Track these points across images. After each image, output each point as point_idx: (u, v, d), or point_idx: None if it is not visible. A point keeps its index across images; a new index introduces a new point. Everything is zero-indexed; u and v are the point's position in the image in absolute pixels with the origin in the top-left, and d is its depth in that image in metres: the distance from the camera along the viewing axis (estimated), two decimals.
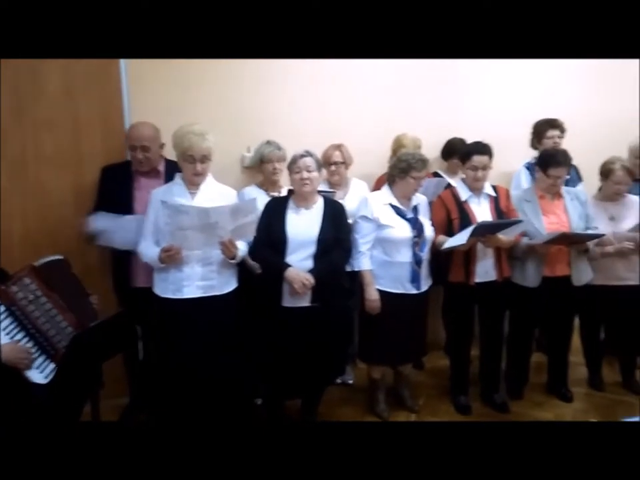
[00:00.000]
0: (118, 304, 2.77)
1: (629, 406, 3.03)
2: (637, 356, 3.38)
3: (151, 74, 2.92)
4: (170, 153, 2.61)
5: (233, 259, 2.39)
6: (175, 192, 2.40)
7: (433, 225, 2.86)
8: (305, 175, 2.52)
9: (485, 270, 2.85)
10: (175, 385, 2.40)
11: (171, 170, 2.59)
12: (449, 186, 3.19)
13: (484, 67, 3.76)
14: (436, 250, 2.83)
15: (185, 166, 2.37)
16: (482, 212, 2.86)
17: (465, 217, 2.83)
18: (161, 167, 2.73)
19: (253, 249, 2.58)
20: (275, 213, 2.59)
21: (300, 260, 2.52)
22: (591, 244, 2.95)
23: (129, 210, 2.62)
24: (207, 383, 2.39)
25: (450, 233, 2.81)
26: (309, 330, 2.55)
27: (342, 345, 2.76)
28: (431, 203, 2.99)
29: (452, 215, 2.85)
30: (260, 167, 2.97)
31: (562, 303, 3.00)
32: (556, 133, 3.33)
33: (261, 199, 2.76)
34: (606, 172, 3.04)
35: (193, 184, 2.41)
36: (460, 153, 3.05)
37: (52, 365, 1.98)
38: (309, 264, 2.52)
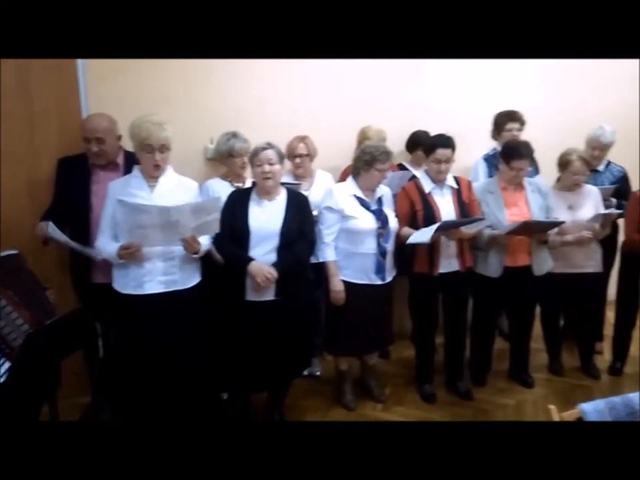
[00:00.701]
0: (77, 300, 2.70)
1: (587, 390, 3.14)
2: (594, 341, 3.50)
3: (109, 65, 2.83)
4: (129, 146, 2.54)
5: (195, 254, 2.36)
6: (133, 184, 2.34)
7: (397, 216, 2.88)
8: (267, 168, 2.49)
9: (448, 260, 2.90)
10: (137, 383, 2.35)
11: (131, 162, 2.52)
12: (413, 178, 3.22)
13: (447, 61, 3.78)
14: (401, 242, 2.85)
15: (143, 156, 2.31)
16: (445, 203, 2.90)
17: (429, 209, 2.86)
18: (120, 160, 2.66)
19: (216, 242, 2.55)
20: (237, 205, 2.56)
21: (263, 253, 2.49)
22: (551, 234, 3.02)
23: (86, 204, 2.55)
24: (170, 379, 2.35)
25: (414, 225, 2.84)
26: (273, 323, 2.53)
27: (307, 337, 2.76)
28: (395, 195, 3.01)
29: (416, 206, 2.88)
30: (226, 160, 2.92)
31: (523, 292, 3.07)
32: (515, 125, 3.39)
33: (226, 191, 2.73)
34: (564, 163, 3.12)
35: (151, 176, 2.35)
36: (424, 145, 3.08)
37: (7, 364, 1.91)
38: (273, 257, 2.50)
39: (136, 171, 2.39)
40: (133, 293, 2.32)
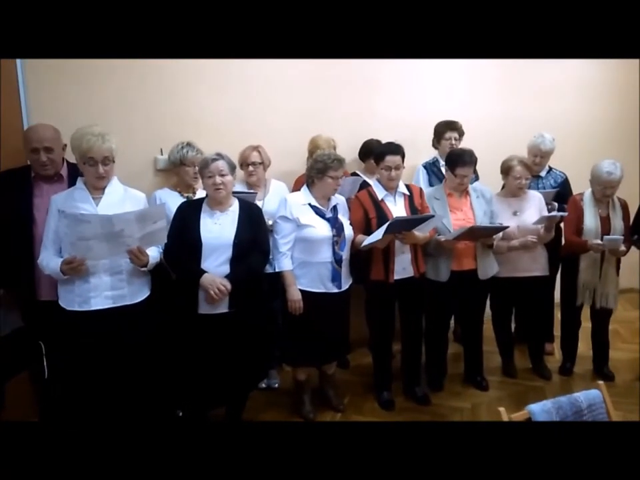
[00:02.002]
0: (21, 318, 2.57)
1: (540, 391, 3.22)
2: (544, 343, 3.61)
3: (52, 72, 2.74)
4: (72, 157, 2.45)
5: (144, 266, 2.29)
6: (77, 198, 2.26)
7: (351, 224, 2.89)
8: (218, 179, 2.45)
9: (403, 267, 2.93)
10: (85, 403, 2.26)
11: (74, 175, 2.43)
12: (365, 185, 3.24)
13: (398, 69, 3.86)
14: (356, 249, 2.86)
15: (85, 169, 2.23)
16: (397, 210, 2.93)
17: (382, 216, 2.88)
18: (64, 172, 2.56)
19: (166, 254, 2.49)
20: (188, 216, 2.50)
21: (216, 265, 2.45)
22: (496, 239, 3.10)
23: (29, 219, 2.43)
24: (120, 398, 2.27)
25: (368, 232, 2.85)
26: (228, 336, 2.48)
27: (264, 349, 2.72)
28: (348, 201, 3.02)
29: (369, 214, 2.90)
30: (178, 169, 2.87)
31: (470, 295, 3.14)
32: (454, 134, 3.49)
33: (175, 202, 2.68)
34: (506, 169, 3.22)
35: (96, 188, 2.28)
36: (374, 153, 3.11)
37: None
38: (226, 269, 2.45)
39: (80, 183, 2.31)
40: (79, 310, 2.23)
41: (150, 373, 2.39)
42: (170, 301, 2.51)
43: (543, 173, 3.57)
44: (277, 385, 3.28)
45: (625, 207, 3.25)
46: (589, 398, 1.78)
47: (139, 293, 2.35)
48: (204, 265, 2.44)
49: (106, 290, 2.24)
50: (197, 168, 2.75)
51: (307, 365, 2.96)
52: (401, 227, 2.77)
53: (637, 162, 5.01)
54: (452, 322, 3.45)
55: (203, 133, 3.09)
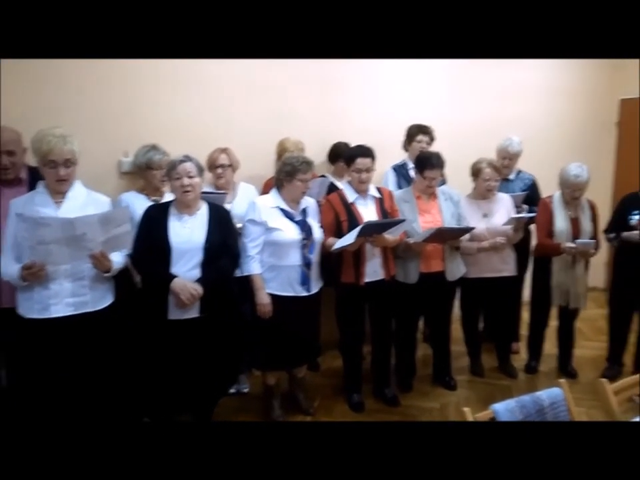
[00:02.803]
0: None
1: (506, 389, 3.28)
2: (511, 342, 3.68)
3: (12, 73, 2.65)
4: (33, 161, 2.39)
5: (107, 272, 2.23)
6: (38, 202, 2.18)
7: (322, 227, 2.89)
8: (186, 181, 2.41)
9: (374, 269, 2.94)
10: (44, 414, 2.19)
11: (35, 178, 2.36)
12: (334, 187, 3.25)
13: (366, 71, 3.88)
14: (327, 252, 2.86)
15: (46, 172, 2.16)
16: (368, 213, 2.94)
17: (353, 219, 2.89)
18: (24, 175, 2.49)
19: (134, 259, 2.44)
20: (155, 220, 2.46)
21: (186, 269, 2.41)
22: (464, 241, 3.15)
23: None
24: (83, 408, 2.21)
25: (339, 235, 2.86)
26: (198, 342, 2.45)
27: (234, 354, 2.69)
28: (317, 202, 3.02)
29: (340, 217, 2.91)
30: (144, 173, 2.82)
31: (439, 296, 3.19)
32: (425, 138, 3.54)
33: (142, 205, 2.63)
34: (475, 171, 3.28)
35: (57, 192, 2.21)
36: (344, 156, 3.12)
37: None
38: (196, 273, 2.42)
39: (40, 187, 2.24)
40: (38, 317, 2.16)
41: (114, 381, 2.33)
42: (136, 307, 2.46)
43: (512, 176, 3.65)
44: (246, 390, 3.26)
45: (593, 208, 3.34)
46: (551, 396, 1.83)
47: (102, 299, 2.29)
48: (173, 270, 2.40)
49: (67, 297, 2.17)
50: (164, 171, 2.71)
51: (277, 368, 2.95)
52: (373, 231, 2.79)
53: (604, 163, 5.18)
54: (421, 323, 3.50)
55: (169, 135, 3.04)
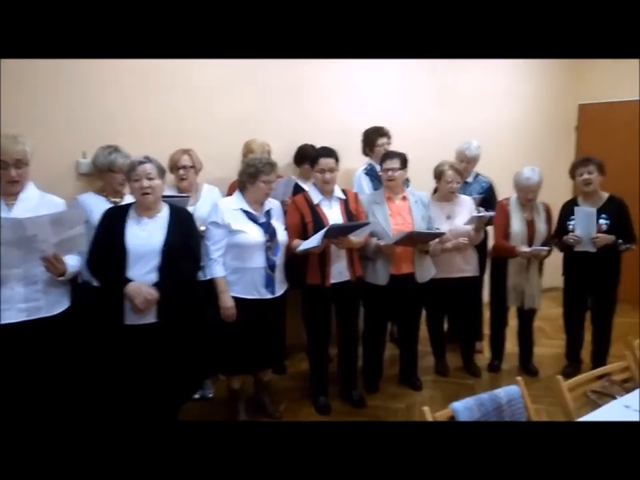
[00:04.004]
0: None
1: (470, 388, 3.32)
2: (474, 341, 3.74)
3: None
4: None
5: (61, 275, 2.17)
6: None
7: (287, 228, 2.88)
8: (146, 183, 2.36)
9: (339, 271, 2.95)
10: None
11: None
12: (300, 189, 3.24)
13: (331, 74, 3.90)
14: (292, 254, 2.85)
15: None
16: (333, 214, 2.95)
17: (318, 220, 2.89)
18: None
19: (89, 263, 2.37)
20: (113, 222, 2.40)
21: (142, 273, 2.35)
22: (431, 243, 3.19)
23: None
24: (37, 416, 2.13)
25: (304, 236, 2.86)
26: (157, 347, 2.40)
27: (197, 359, 2.64)
28: (282, 203, 3.01)
29: (306, 218, 2.90)
30: (104, 175, 2.75)
31: (408, 298, 3.21)
32: (385, 140, 3.57)
33: (101, 207, 2.56)
34: (438, 174, 3.33)
35: (8, 194, 2.13)
36: (309, 158, 3.12)
37: None
38: (153, 277, 2.37)
39: None
40: None
41: (70, 389, 2.26)
42: (93, 312, 2.40)
43: (469, 179, 3.71)
44: (211, 395, 3.21)
45: (548, 210, 3.43)
46: (509, 393, 1.86)
47: (56, 304, 2.22)
48: (130, 273, 2.35)
49: (19, 302, 2.09)
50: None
51: (242, 372, 2.91)
52: (337, 233, 2.79)
53: (564, 166, 5.31)
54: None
55: (130, 136, 2.99)
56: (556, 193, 4.96)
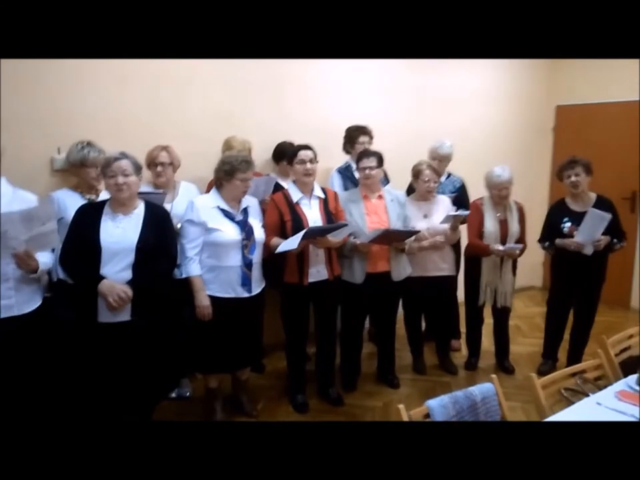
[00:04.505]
0: None
1: (447, 386, 3.36)
2: (451, 340, 3.78)
3: None
4: None
5: (33, 273, 2.12)
6: None
7: (266, 226, 2.86)
8: (121, 179, 2.33)
9: (317, 270, 2.94)
10: None
11: None
12: (280, 187, 3.23)
13: (312, 73, 3.88)
14: (270, 252, 2.83)
15: None
16: (312, 213, 2.94)
17: (297, 219, 2.88)
18: None
19: (62, 260, 2.33)
20: (87, 219, 2.36)
21: (116, 271, 2.32)
22: (408, 242, 3.20)
23: None
24: (10, 416, 2.09)
25: (283, 235, 2.85)
26: (131, 346, 2.37)
27: (173, 357, 2.62)
28: (263, 202, 2.99)
29: (285, 216, 2.89)
30: (78, 170, 2.70)
31: (384, 296, 3.23)
32: (366, 139, 3.58)
33: (76, 203, 2.52)
34: (416, 172, 3.35)
35: None
36: (288, 155, 3.11)
37: None
38: (127, 274, 2.34)
39: None
40: None
41: (42, 387, 2.22)
42: (67, 310, 2.36)
43: (442, 178, 3.74)
44: (188, 394, 3.18)
45: (521, 210, 3.47)
46: (483, 391, 1.88)
47: (29, 302, 2.18)
48: (103, 271, 2.32)
49: None
50: (99, 169, 2.61)
51: (219, 371, 2.89)
52: (316, 235, 2.79)
53: (541, 167, 5.41)
54: (366, 323, 3.53)
55: (107, 132, 2.95)
56: (533, 193, 5.06)
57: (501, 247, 3.27)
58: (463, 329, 3.87)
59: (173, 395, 3.06)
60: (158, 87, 3.28)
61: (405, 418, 1.68)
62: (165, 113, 3.31)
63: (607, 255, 3.35)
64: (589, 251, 3.17)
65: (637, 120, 4.75)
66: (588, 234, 3.15)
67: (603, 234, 3.16)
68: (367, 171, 3.10)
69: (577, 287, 3.41)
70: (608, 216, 3.11)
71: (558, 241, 3.30)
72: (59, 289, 2.49)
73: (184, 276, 2.66)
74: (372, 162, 3.10)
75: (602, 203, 3.29)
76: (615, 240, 3.25)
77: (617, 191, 4.61)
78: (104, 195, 2.59)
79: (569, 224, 3.27)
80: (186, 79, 3.37)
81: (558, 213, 3.39)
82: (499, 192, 3.32)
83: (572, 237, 3.22)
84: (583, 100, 5.17)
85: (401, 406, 1.70)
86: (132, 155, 2.42)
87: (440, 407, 1.76)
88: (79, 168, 2.68)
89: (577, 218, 3.24)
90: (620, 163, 4.88)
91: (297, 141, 3.33)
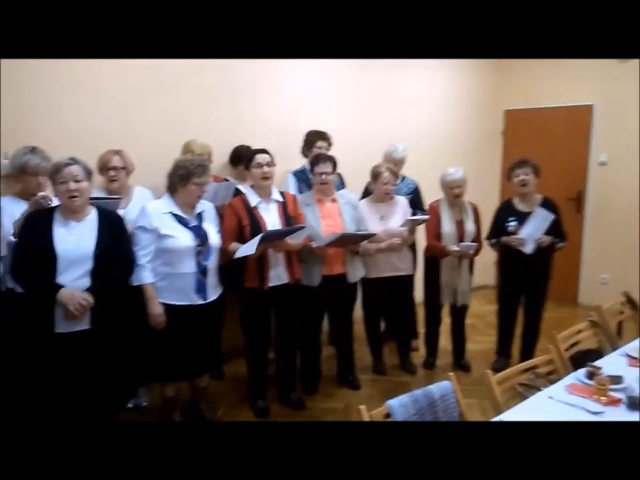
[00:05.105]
0: None
1: (406, 385, 3.40)
2: (410, 340, 3.84)
3: None
4: None
5: None
6: None
7: (224, 232, 2.82)
8: (72, 185, 2.25)
9: (277, 274, 2.93)
10: None
11: None
12: (238, 192, 3.20)
13: (268, 76, 3.87)
14: (229, 258, 2.80)
15: None
16: (271, 217, 2.93)
17: (256, 223, 2.86)
18: None
19: (13, 270, 2.24)
20: (38, 227, 2.28)
21: (74, 279, 2.26)
22: (364, 243, 3.25)
23: None
24: None
25: (242, 240, 2.82)
26: (90, 355, 2.30)
27: (131, 366, 2.55)
28: (222, 207, 2.96)
29: (243, 221, 2.87)
30: (20, 177, 2.58)
31: (341, 298, 3.26)
32: (324, 144, 3.61)
33: (21, 211, 2.41)
34: (375, 175, 3.40)
35: None
36: (245, 159, 3.09)
37: None
38: (85, 282, 2.28)
39: None
40: None
41: None
42: (19, 321, 2.26)
43: (397, 181, 3.80)
44: (145, 404, 3.10)
45: (476, 210, 3.58)
46: (441, 389, 1.92)
47: None
48: (60, 279, 2.25)
49: None
50: (40, 178, 2.49)
51: (176, 380, 2.83)
52: (274, 238, 2.78)
53: (491, 170, 5.59)
54: (326, 325, 3.54)
55: (58, 137, 2.85)
56: (483, 195, 5.20)
57: (455, 247, 3.36)
58: (420, 328, 3.95)
59: (130, 405, 2.97)
60: (110, 91, 3.20)
61: (366, 418, 1.70)
62: (116, 117, 3.22)
63: (551, 254, 3.49)
64: (529, 249, 3.32)
65: (581, 123, 4.99)
66: (531, 233, 3.31)
67: (547, 234, 3.31)
68: (324, 176, 3.12)
69: (524, 284, 3.54)
70: (551, 216, 3.28)
71: (503, 238, 3.43)
72: (7, 298, 2.38)
73: (136, 284, 2.59)
74: (328, 167, 3.12)
75: (547, 204, 3.44)
76: (557, 239, 3.40)
77: (563, 192, 4.83)
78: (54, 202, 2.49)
79: (514, 223, 3.41)
80: (139, 81, 3.30)
81: (505, 212, 3.52)
82: (452, 191, 3.41)
83: (516, 235, 3.36)
84: (530, 105, 5.39)
85: (362, 407, 1.71)
86: (83, 160, 2.35)
87: (400, 406, 1.78)
88: (20, 174, 2.56)
89: (522, 217, 3.39)
90: (566, 165, 5.12)
91: (254, 144, 3.32)
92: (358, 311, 3.51)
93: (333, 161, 3.16)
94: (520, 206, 3.48)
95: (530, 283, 3.53)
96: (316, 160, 3.18)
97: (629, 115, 4.71)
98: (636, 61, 4.52)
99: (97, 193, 2.71)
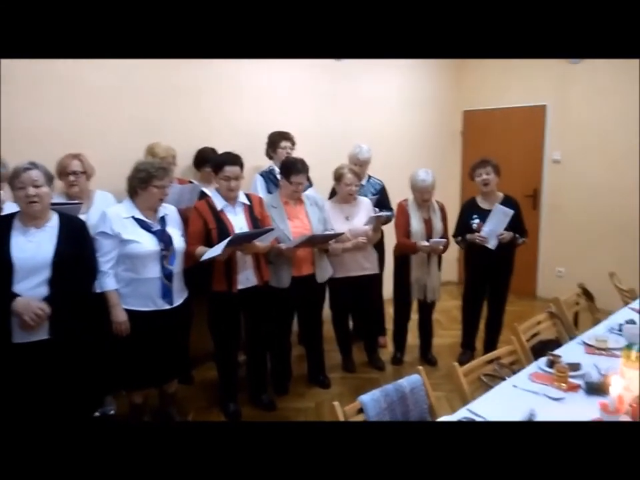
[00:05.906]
0: None
1: (375, 381, 3.44)
2: (378, 337, 3.90)
3: None
4: None
5: None
6: None
7: (190, 235, 2.79)
8: (32, 190, 2.19)
9: (246, 277, 2.92)
10: None
11: None
12: (203, 195, 3.18)
13: (231, 76, 3.86)
14: (196, 261, 2.77)
15: None
16: (238, 221, 2.91)
17: (222, 226, 2.84)
18: None
19: None
20: None
21: (31, 287, 2.19)
22: (331, 243, 3.29)
23: None
24: None
25: (209, 243, 2.79)
26: (50, 366, 2.24)
27: (95, 375, 2.49)
28: (187, 210, 2.93)
29: (209, 224, 2.84)
30: None
31: (310, 298, 3.29)
32: (288, 144, 3.64)
33: None
34: (338, 176, 3.44)
35: None
36: (212, 163, 3.06)
37: None
38: (43, 290, 2.21)
39: None
40: None
41: None
42: None
43: (363, 181, 3.86)
44: (112, 412, 3.03)
45: (442, 209, 3.68)
46: (411, 382, 1.97)
47: None
48: (17, 288, 2.17)
49: None
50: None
51: (143, 387, 2.78)
52: (242, 241, 2.77)
53: (452, 168, 5.72)
54: (295, 326, 3.55)
55: (16, 141, 2.77)
56: (445, 194, 5.33)
57: (426, 243, 3.44)
58: (387, 325, 4.01)
59: (97, 414, 2.90)
60: (70, 93, 3.13)
61: (340, 415, 1.72)
62: (76, 120, 3.15)
63: (513, 250, 3.62)
64: (493, 244, 3.45)
65: (537, 123, 5.17)
66: (492, 229, 3.44)
67: (509, 230, 3.43)
68: (300, 187, 3.16)
69: (488, 279, 3.67)
70: (510, 212, 3.41)
71: (468, 235, 3.54)
72: None
73: (99, 291, 2.53)
74: (303, 179, 3.15)
75: (508, 201, 3.57)
76: (517, 235, 3.52)
77: (520, 190, 5.00)
78: (9, 208, 2.42)
79: (477, 220, 3.52)
80: (99, 83, 3.23)
81: (468, 210, 3.64)
82: (423, 195, 3.50)
83: (479, 232, 3.47)
84: (487, 105, 5.55)
85: (336, 403, 1.74)
86: (42, 165, 2.28)
87: (372, 401, 1.82)
88: None
89: (485, 215, 3.50)
90: (523, 163, 5.29)
91: (218, 145, 3.30)
92: (326, 311, 3.54)
93: (307, 171, 3.18)
94: (483, 204, 3.60)
95: (493, 277, 3.65)
96: (292, 169, 3.13)
97: (581, 114, 4.92)
98: (587, 61, 4.74)
99: (56, 198, 2.64)
